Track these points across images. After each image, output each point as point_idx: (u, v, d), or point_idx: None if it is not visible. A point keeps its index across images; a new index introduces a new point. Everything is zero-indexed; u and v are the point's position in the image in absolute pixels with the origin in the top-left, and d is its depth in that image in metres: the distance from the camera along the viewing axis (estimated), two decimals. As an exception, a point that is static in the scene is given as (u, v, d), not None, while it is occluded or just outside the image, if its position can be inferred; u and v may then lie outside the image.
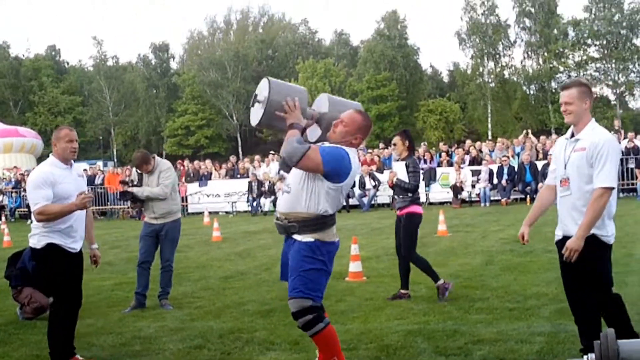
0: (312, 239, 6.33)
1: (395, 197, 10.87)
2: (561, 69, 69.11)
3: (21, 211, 36.77)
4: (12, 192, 37.59)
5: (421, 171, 11.99)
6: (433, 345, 7.74)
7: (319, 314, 6.34)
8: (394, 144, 10.68)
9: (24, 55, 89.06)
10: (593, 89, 45.20)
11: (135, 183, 10.95)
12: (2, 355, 8.31)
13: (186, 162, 39.88)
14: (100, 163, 54.04)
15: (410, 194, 10.59)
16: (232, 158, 39.29)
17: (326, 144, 6.53)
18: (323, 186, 6.28)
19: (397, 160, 11.10)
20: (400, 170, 10.50)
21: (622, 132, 31.73)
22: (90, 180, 37.61)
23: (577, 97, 6.39)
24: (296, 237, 6.39)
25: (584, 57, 68.76)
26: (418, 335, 8.23)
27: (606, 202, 6.28)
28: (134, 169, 11.09)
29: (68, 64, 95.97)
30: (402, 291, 10.55)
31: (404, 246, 10.66)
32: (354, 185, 31.30)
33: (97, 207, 36.76)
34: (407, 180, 10.43)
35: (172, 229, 11.02)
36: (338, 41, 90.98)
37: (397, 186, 10.49)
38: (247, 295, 11.15)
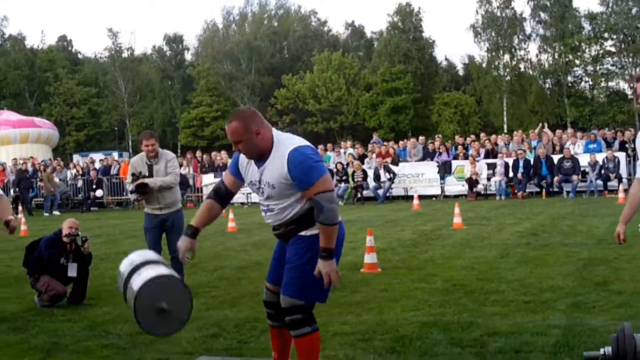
0: (317, 231, 5.73)
1: None
2: (577, 62, 68.88)
3: (38, 201, 36.88)
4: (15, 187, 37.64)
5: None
6: (448, 337, 7.73)
7: (310, 316, 5.89)
8: None
9: (38, 47, 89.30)
10: (610, 83, 44.79)
11: (145, 175, 10.92)
12: (20, 342, 8.36)
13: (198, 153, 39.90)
14: (115, 154, 54.12)
15: None
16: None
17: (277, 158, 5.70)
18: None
19: None
20: None
21: None
22: (106, 171, 37.78)
23: None
24: (299, 233, 5.87)
25: (600, 51, 68.53)
26: (433, 326, 8.22)
27: None
28: (143, 160, 11.02)
29: (81, 54, 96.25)
30: None
31: None
32: (365, 178, 31.32)
33: (113, 198, 36.90)
34: None
35: (179, 218, 11.02)
36: (353, 33, 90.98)
37: None
38: (262, 285, 11.15)
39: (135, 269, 6.19)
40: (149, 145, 10.84)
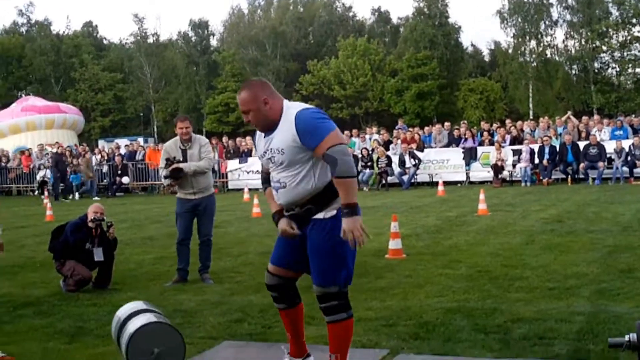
0: (335, 211, 5.65)
1: None
2: (604, 48, 68.28)
3: (62, 186, 37.09)
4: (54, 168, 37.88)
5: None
6: (472, 323, 7.73)
7: (346, 301, 5.80)
8: None
9: (64, 32, 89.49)
10: (637, 70, 44.36)
11: (180, 160, 10.93)
12: (46, 326, 8.43)
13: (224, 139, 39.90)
14: (140, 139, 54.21)
15: None
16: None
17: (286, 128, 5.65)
18: (313, 158, 5.61)
19: None
20: None
21: None
22: (131, 156, 37.94)
23: None
24: (317, 216, 5.72)
25: (628, 37, 67.84)
26: (457, 312, 8.23)
27: None
28: (177, 145, 11.05)
29: (106, 40, 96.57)
30: None
31: None
32: (390, 164, 31.28)
33: (138, 183, 37.07)
34: None
35: (211, 203, 11.08)
36: (378, 19, 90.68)
37: None
38: (287, 271, 11.13)
39: (132, 315, 6.22)
40: (183, 127, 10.87)
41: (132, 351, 5.96)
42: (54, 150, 37.78)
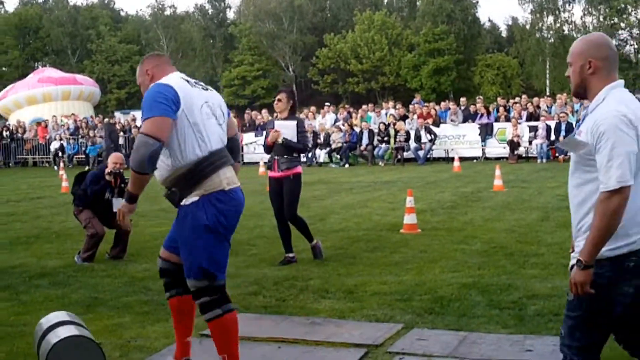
0: (197, 197, 5.29)
1: (277, 157, 10.20)
2: (622, 25, 67.86)
3: (79, 158, 37.18)
4: (69, 139, 37.95)
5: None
6: (487, 299, 7.73)
7: (219, 296, 5.43)
8: (279, 100, 10.34)
9: (81, 4, 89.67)
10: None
11: None
12: (61, 297, 8.46)
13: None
14: (156, 112, 54.19)
15: (296, 154, 10.36)
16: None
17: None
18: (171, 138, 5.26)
19: (278, 119, 10.51)
20: (288, 130, 10.18)
21: None
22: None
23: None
24: (182, 203, 5.37)
25: (647, 14, 67.52)
26: (472, 288, 8.22)
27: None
28: None
29: (123, 11, 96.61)
30: (289, 255, 10.30)
31: (292, 207, 10.26)
32: (408, 139, 31.18)
33: (154, 155, 37.11)
34: (295, 140, 10.14)
35: None
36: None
37: (286, 146, 10.10)
38: (301, 244, 11.03)
39: (52, 327, 6.06)
40: None
41: None
42: (109, 120, 37.71)
